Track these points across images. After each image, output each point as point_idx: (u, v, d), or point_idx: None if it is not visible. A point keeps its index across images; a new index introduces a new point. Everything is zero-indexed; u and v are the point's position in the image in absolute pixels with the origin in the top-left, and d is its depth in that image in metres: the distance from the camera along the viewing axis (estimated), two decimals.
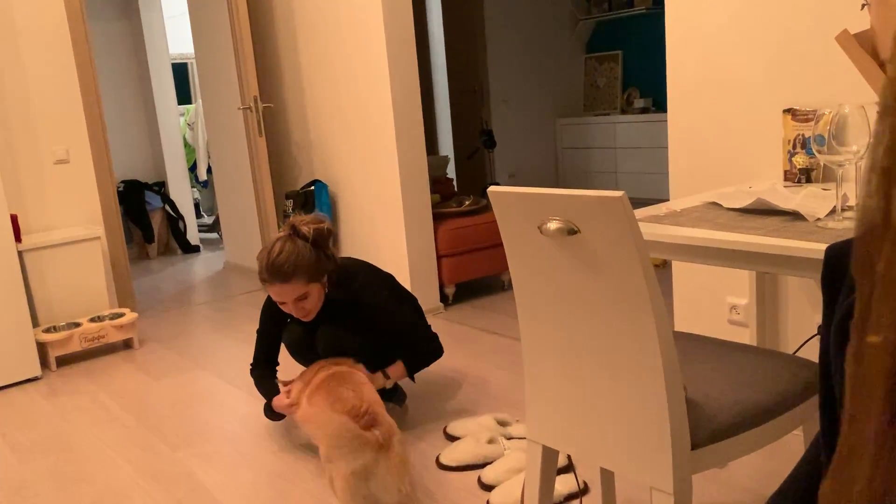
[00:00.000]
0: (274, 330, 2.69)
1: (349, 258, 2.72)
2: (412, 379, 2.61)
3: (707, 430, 1.39)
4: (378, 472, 1.96)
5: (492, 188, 1.41)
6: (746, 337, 2.46)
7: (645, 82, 6.65)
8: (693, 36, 2.44)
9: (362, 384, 2.28)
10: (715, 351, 1.66)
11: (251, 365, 2.70)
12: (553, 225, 1.32)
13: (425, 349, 2.65)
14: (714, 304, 2.55)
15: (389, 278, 2.78)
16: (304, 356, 2.67)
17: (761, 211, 1.78)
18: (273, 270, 2.35)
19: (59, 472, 2.55)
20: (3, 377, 3.41)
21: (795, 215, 1.69)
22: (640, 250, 1.23)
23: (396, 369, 2.59)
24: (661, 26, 6.38)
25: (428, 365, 2.69)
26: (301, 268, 2.36)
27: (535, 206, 1.34)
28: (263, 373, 2.67)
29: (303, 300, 2.42)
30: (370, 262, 2.90)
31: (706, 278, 2.56)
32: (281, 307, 2.48)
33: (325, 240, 2.44)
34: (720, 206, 1.91)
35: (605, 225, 1.25)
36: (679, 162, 2.56)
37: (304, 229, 2.41)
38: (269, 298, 2.60)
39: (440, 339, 3.57)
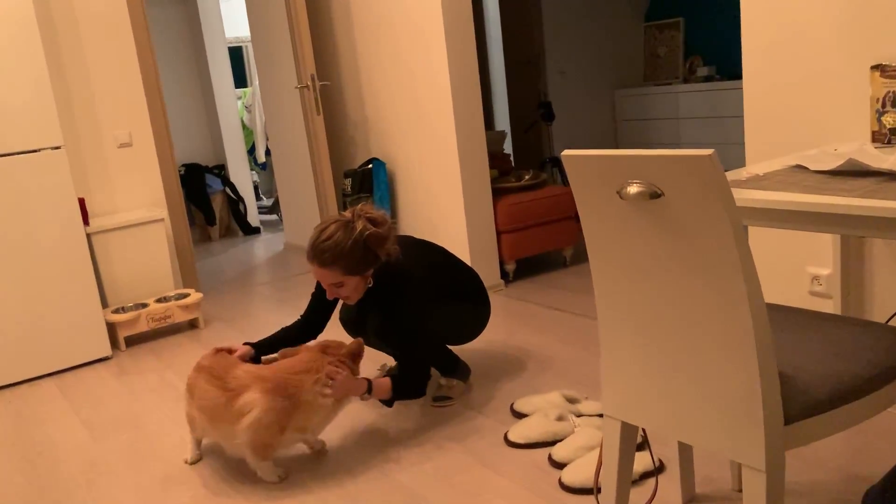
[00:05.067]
0: (320, 308, 2.67)
1: (407, 242, 2.66)
2: (389, 404, 2.49)
3: (800, 404, 1.30)
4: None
5: (566, 151, 1.34)
6: (830, 308, 2.34)
7: (708, 49, 6.42)
8: None
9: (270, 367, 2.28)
10: (802, 320, 1.56)
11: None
12: (634, 188, 1.25)
13: (410, 380, 2.46)
14: (794, 274, 2.43)
15: (444, 260, 2.72)
16: (356, 333, 2.73)
17: (852, 172, 1.67)
18: (315, 252, 2.36)
19: (131, 449, 2.60)
20: (75, 357, 3.49)
21: (891, 175, 1.58)
22: (732, 213, 1.15)
23: (381, 385, 2.41)
24: None
25: (408, 397, 2.51)
26: (342, 260, 2.34)
27: (613, 169, 1.27)
28: (289, 333, 2.64)
29: (338, 287, 2.42)
30: (430, 241, 2.83)
31: (786, 247, 2.44)
32: (321, 285, 2.50)
33: (374, 242, 2.37)
34: (805, 168, 1.79)
35: (691, 187, 1.17)
36: (755, 126, 2.43)
37: (359, 224, 2.36)
38: (318, 284, 2.61)
39: (501, 315, 3.53)
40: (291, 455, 2.41)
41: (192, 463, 2.43)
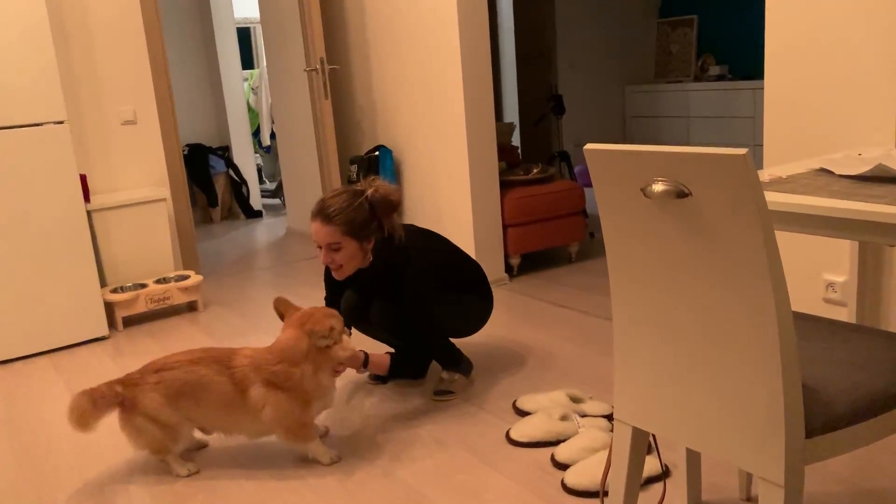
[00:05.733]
0: (334, 297, 2.72)
1: (411, 230, 2.63)
2: (384, 381, 2.45)
3: (823, 417, 1.25)
4: None
5: (589, 145, 1.29)
6: (844, 316, 2.29)
7: (721, 48, 6.34)
8: None
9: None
10: (824, 330, 1.51)
11: None
12: (659, 186, 1.19)
13: (414, 353, 2.47)
14: (809, 280, 2.38)
15: (447, 248, 2.68)
16: (359, 325, 2.72)
17: (880, 178, 1.61)
18: (320, 207, 2.38)
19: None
20: (71, 336, 3.44)
21: None
22: (764, 218, 1.09)
23: (379, 359, 2.43)
24: None
25: (406, 376, 2.53)
26: (345, 217, 2.35)
27: (639, 165, 1.22)
28: None
29: (335, 250, 2.40)
30: (434, 230, 2.79)
31: (801, 252, 2.39)
32: (317, 252, 2.47)
33: (382, 207, 2.40)
34: (830, 172, 1.74)
35: (721, 187, 1.11)
36: (775, 127, 2.38)
37: (370, 190, 2.40)
38: (327, 267, 2.56)
39: (504, 310, 3.48)
40: (290, 448, 2.36)
41: (195, 472, 2.26)
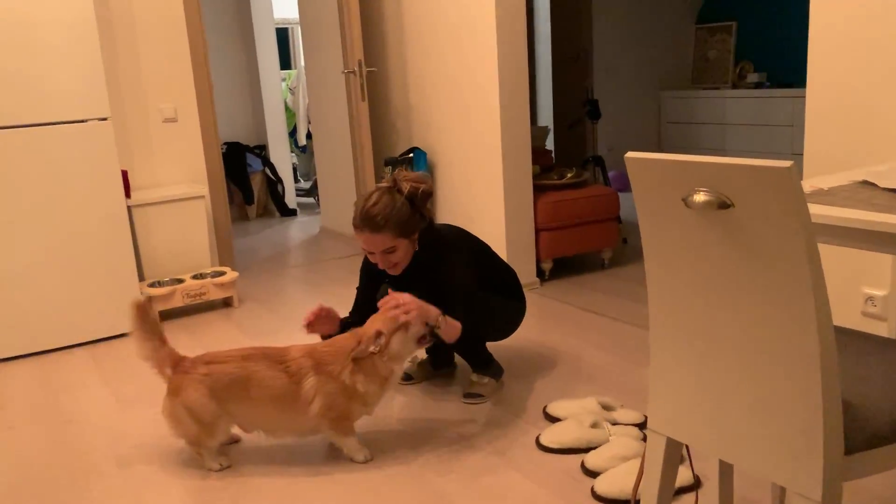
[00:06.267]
0: (371, 285, 2.71)
1: (446, 225, 2.65)
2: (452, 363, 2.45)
3: (863, 434, 1.24)
4: None
5: (630, 154, 1.29)
6: (883, 331, 2.25)
7: (760, 56, 6.27)
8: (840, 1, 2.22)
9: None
10: (863, 344, 1.49)
11: (347, 316, 2.68)
12: (701, 197, 1.19)
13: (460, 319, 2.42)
14: (848, 294, 2.34)
15: (481, 247, 2.69)
16: None
17: None
18: (365, 219, 2.37)
19: (160, 423, 2.59)
20: (109, 328, 3.51)
21: None
22: (807, 231, 1.08)
23: (452, 323, 2.35)
24: None
25: (466, 350, 2.56)
26: (392, 221, 2.36)
27: (681, 175, 1.21)
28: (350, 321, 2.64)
29: (390, 253, 2.42)
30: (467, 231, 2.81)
31: (841, 265, 2.35)
32: (369, 257, 2.48)
33: (421, 199, 2.43)
34: (874, 185, 1.71)
35: (765, 200, 1.11)
36: (817, 137, 2.35)
37: (404, 185, 2.41)
38: (366, 257, 2.58)
39: (536, 314, 3.48)
40: (320, 443, 2.39)
41: (227, 467, 2.29)
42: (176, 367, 2.23)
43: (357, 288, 2.75)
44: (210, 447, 2.25)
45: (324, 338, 2.40)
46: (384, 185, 2.44)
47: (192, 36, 4.14)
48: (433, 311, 2.27)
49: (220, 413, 2.19)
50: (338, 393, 2.17)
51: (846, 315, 2.34)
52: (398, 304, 2.20)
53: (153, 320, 2.23)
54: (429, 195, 2.46)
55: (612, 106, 6.52)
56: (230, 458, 2.31)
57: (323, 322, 2.52)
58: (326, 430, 2.22)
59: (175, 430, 2.23)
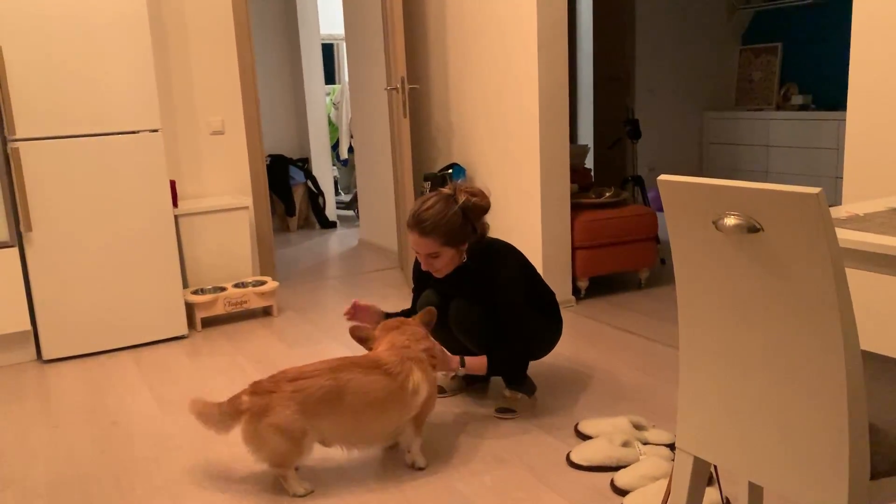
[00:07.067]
0: (420, 286, 2.82)
1: (495, 238, 2.69)
2: (485, 379, 2.55)
3: (890, 459, 1.24)
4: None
5: (663, 176, 1.32)
6: None
7: (805, 78, 6.21)
8: (882, 25, 2.22)
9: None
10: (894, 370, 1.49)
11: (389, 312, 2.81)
12: (731, 220, 1.21)
13: (513, 350, 2.54)
14: (889, 321, 2.32)
15: (527, 263, 2.73)
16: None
17: None
18: (416, 220, 2.46)
19: (201, 427, 2.66)
20: (153, 333, 3.62)
21: None
22: (835, 256, 1.10)
23: (476, 361, 2.48)
24: (827, 17, 5.93)
25: (506, 372, 2.62)
26: (441, 229, 2.44)
27: (712, 198, 1.24)
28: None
29: (434, 258, 2.50)
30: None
31: (881, 292, 2.34)
32: (415, 253, 2.57)
33: (474, 211, 2.49)
34: None
35: (794, 224, 1.13)
36: (857, 162, 2.34)
37: (461, 195, 2.48)
38: (416, 260, 2.70)
39: (570, 332, 3.49)
40: (372, 455, 2.44)
41: (312, 491, 2.21)
42: (253, 391, 2.15)
43: (412, 290, 2.88)
44: (296, 466, 2.20)
45: (361, 340, 2.44)
46: (445, 191, 2.52)
47: (240, 51, 4.26)
48: (454, 362, 2.45)
49: (309, 429, 2.13)
50: (434, 386, 2.30)
51: (884, 342, 2.32)
52: (427, 349, 2.33)
53: (210, 408, 2.19)
54: (483, 210, 2.52)
55: (653, 126, 6.51)
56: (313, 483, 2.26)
57: (363, 312, 2.63)
58: (411, 427, 2.27)
59: (259, 453, 2.14)
